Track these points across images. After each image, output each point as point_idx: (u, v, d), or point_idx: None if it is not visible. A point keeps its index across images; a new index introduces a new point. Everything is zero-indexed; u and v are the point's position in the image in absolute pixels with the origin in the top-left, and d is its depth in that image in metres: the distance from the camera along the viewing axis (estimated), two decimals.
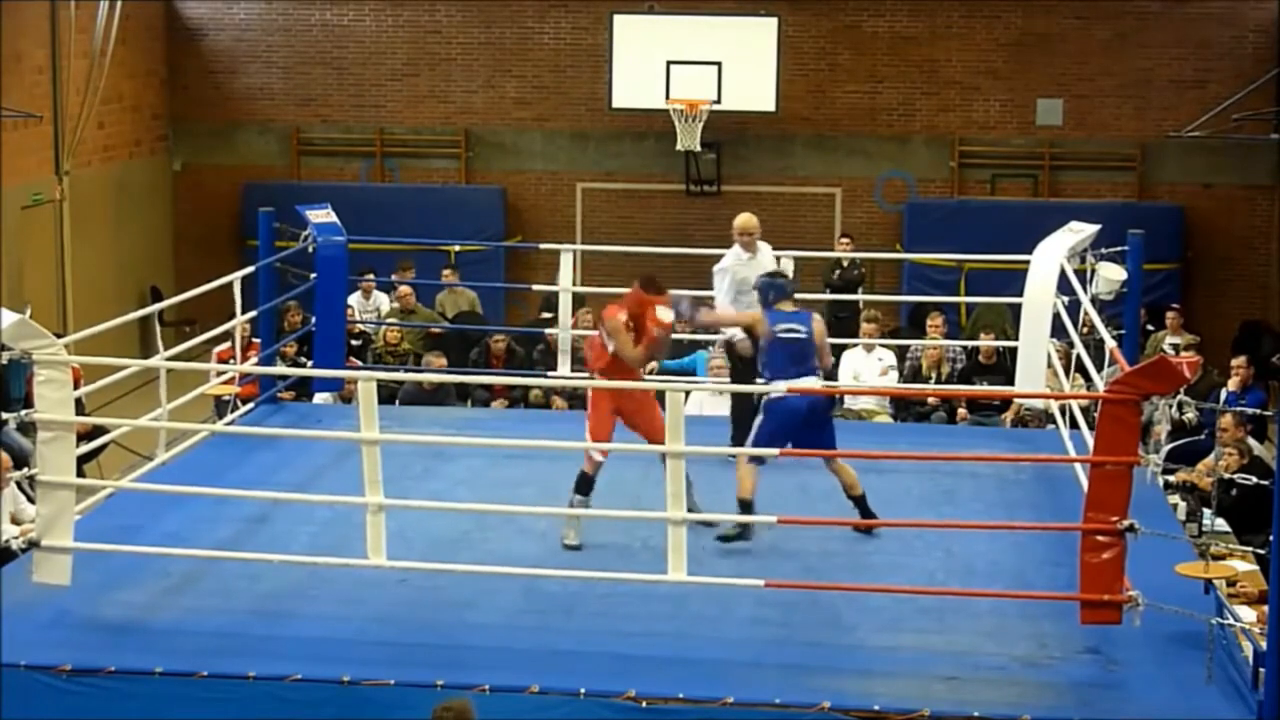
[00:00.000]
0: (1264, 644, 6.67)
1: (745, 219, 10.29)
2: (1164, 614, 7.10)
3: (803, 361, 8.73)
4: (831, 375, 13.36)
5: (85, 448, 9.18)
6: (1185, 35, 17.82)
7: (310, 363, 12.07)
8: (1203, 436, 11.91)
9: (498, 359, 13.73)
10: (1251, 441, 11.11)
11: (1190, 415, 12.23)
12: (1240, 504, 9.86)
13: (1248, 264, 18.00)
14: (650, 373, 12.46)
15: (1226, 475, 8.70)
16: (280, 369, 11.95)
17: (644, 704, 6.83)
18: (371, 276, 15.22)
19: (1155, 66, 17.89)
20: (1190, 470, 10.68)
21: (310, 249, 11.40)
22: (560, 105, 18.65)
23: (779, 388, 8.43)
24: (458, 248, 16.69)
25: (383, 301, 15.70)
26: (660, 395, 8.09)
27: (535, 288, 15.60)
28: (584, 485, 8.75)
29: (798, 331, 8.73)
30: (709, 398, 11.95)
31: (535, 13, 18.52)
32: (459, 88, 18.82)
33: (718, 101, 17.13)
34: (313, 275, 11.47)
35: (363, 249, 13.41)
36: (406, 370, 13.50)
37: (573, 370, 12.48)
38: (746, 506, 8.47)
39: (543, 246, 15.26)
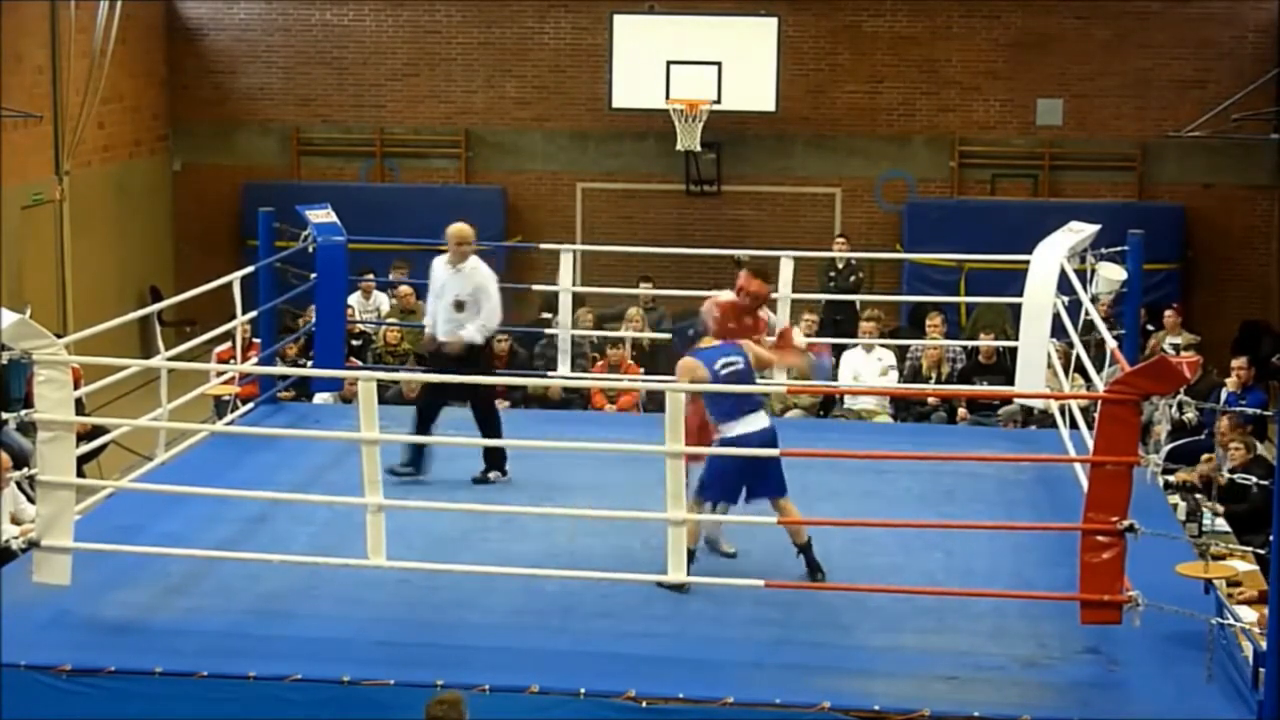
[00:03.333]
0: (1264, 644, 6.67)
1: (460, 228, 10.10)
2: (1164, 614, 7.11)
3: (748, 394, 8.22)
4: (831, 375, 13.38)
5: (85, 448, 9.18)
6: (1185, 35, 17.81)
7: (310, 363, 12.07)
8: (1203, 436, 11.91)
9: (499, 359, 13.72)
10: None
11: (1190, 415, 12.23)
12: (1240, 502, 9.90)
13: (1248, 264, 18.00)
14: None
15: (1229, 471, 8.71)
16: (280, 369, 11.95)
17: (644, 704, 6.84)
18: (371, 276, 15.22)
19: (1155, 66, 17.89)
20: (1190, 470, 10.70)
21: (310, 249, 11.41)
22: (560, 105, 18.65)
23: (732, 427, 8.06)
24: None
25: (383, 301, 15.70)
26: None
27: (535, 288, 15.59)
28: None
29: (735, 364, 8.24)
30: None
31: (535, 13, 18.51)
32: (459, 88, 18.81)
33: (718, 101, 17.12)
34: (313, 275, 11.47)
35: (363, 249, 13.41)
36: (406, 370, 13.49)
37: (573, 370, 12.50)
38: (690, 556, 7.78)
39: (543, 246, 15.24)
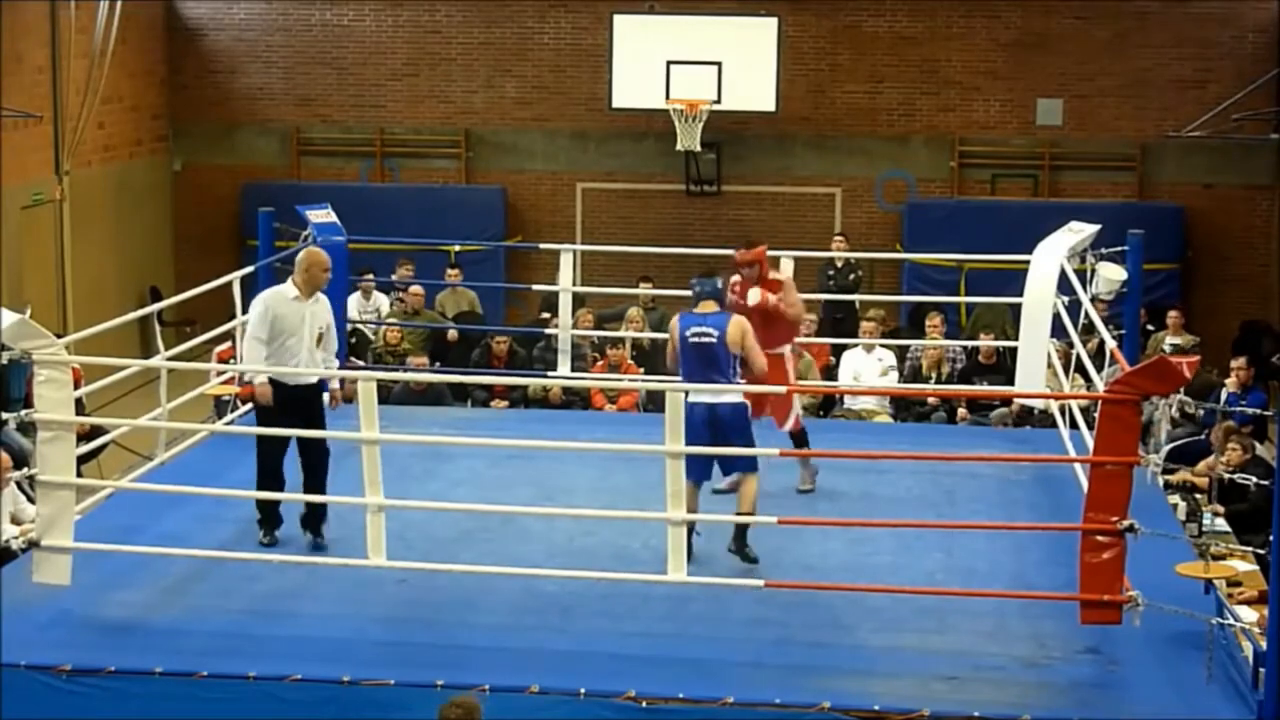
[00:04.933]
0: (1264, 644, 6.67)
1: (323, 254, 8.96)
2: (1164, 614, 7.11)
3: (712, 366, 8.26)
4: (831, 375, 13.39)
5: (85, 448, 9.18)
6: (1185, 35, 17.81)
7: None
8: (1203, 436, 11.91)
9: (499, 360, 13.73)
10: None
11: (1195, 413, 12.21)
12: (1241, 503, 9.90)
13: (1248, 264, 17.99)
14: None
15: (1227, 472, 8.71)
16: (279, 368, 11.93)
17: (644, 704, 6.84)
18: (371, 276, 15.21)
19: (1155, 66, 17.88)
20: (1190, 470, 10.70)
21: None
22: (560, 105, 18.65)
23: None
24: (458, 248, 16.67)
25: (382, 302, 15.69)
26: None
27: (535, 288, 15.61)
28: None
29: (708, 336, 8.28)
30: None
31: (535, 13, 18.51)
32: (459, 88, 18.81)
33: (718, 101, 17.12)
34: None
35: (363, 249, 13.41)
36: (406, 370, 13.49)
37: (573, 370, 12.49)
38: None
39: (543, 246, 15.27)
